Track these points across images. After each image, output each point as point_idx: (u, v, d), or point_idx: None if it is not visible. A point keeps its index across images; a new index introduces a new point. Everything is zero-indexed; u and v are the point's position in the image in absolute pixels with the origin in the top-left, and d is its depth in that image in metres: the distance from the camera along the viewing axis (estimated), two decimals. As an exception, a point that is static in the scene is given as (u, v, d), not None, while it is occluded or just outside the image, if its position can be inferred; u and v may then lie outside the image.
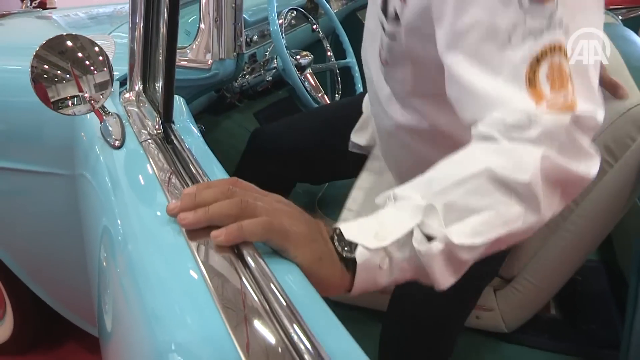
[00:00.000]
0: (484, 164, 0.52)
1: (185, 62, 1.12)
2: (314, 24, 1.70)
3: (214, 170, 0.73)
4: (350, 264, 0.51)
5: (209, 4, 1.09)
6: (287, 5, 1.69)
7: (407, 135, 0.88)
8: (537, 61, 0.53)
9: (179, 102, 0.96)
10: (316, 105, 1.40)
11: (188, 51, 1.13)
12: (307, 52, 1.52)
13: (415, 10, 0.67)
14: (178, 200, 0.53)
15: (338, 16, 2.37)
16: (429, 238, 0.51)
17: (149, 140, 0.79)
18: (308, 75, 1.51)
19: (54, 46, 0.77)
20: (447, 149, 0.58)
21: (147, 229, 0.59)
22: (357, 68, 1.71)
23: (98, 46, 0.80)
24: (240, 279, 0.45)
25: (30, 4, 2.30)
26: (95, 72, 0.81)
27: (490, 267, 1.06)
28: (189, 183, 0.64)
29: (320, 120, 1.32)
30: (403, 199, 0.54)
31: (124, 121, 0.87)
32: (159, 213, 0.58)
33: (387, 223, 0.52)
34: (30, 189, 1.21)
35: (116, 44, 1.12)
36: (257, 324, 0.40)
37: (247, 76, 1.49)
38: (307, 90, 1.47)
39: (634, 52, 1.26)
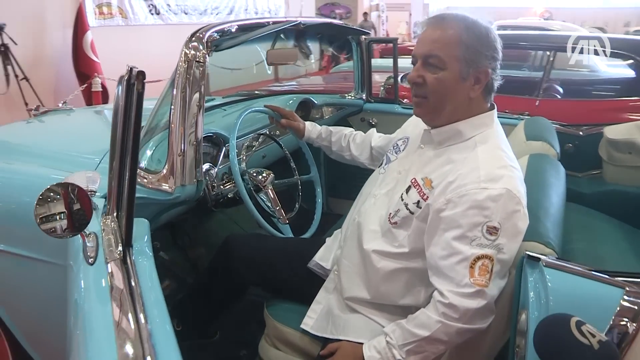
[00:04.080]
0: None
1: (153, 186, 1.39)
2: (280, 145, 1.98)
3: (152, 291, 0.97)
4: None
5: (174, 142, 1.36)
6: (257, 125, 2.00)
7: (378, 257, 1.30)
8: (477, 258, 1.12)
9: (142, 225, 1.21)
10: (265, 224, 1.65)
11: (157, 177, 1.40)
12: (269, 171, 1.78)
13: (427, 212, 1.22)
14: None
15: (330, 121, 2.71)
16: None
17: (112, 262, 1.04)
18: (269, 191, 1.76)
19: (48, 193, 1.04)
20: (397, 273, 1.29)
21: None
22: (318, 181, 1.97)
23: (80, 189, 1.06)
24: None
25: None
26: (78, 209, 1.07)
27: None
28: (129, 298, 0.93)
29: (287, 245, 1.67)
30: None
31: (99, 238, 1.13)
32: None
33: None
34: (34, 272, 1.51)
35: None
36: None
37: (221, 186, 1.76)
38: (265, 203, 1.72)
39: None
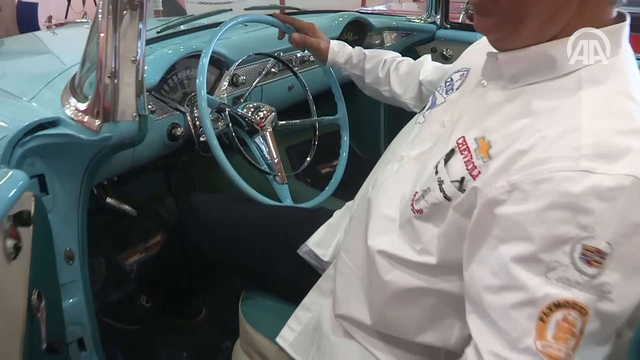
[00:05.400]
0: None
1: (79, 120, 0.96)
2: (294, 73, 1.45)
3: None
4: None
5: (103, 58, 0.91)
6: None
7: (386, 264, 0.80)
8: (556, 305, 0.57)
9: (8, 181, 0.78)
10: (242, 185, 1.16)
11: (83, 107, 0.97)
12: (271, 108, 1.28)
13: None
14: None
15: (394, 49, 2.14)
16: None
17: None
18: (267, 134, 1.26)
19: None
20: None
21: None
22: (347, 127, 1.44)
23: None
24: None
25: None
26: None
27: None
28: None
29: (273, 216, 1.16)
30: None
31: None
32: None
33: None
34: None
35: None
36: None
37: (219, 122, 1.30)
38: (260, 153, 1.24)
39: None
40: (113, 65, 0.91)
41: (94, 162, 1.09)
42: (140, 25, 0.90)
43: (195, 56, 1.38)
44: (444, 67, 1.13)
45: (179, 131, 1.26)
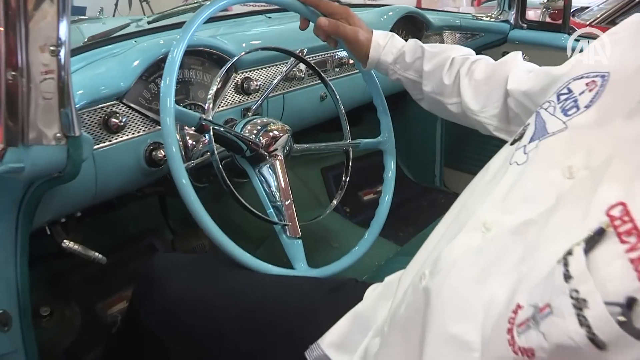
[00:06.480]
0: None
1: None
2: (322, 76, 1.08)
3: None
4: None
5: (2, 43, 0.58)
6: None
7: None
8: None
9: None
10: (231, 249, 0.77)
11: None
12: (284, 126, 0.92)
13: None
14: None
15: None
16: None
17: None
18: (276, 164, 0.90)
19: None
20: None
21: None
22: (393, 152, 1.05)
23: None
24: None
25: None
26: None
27: None
28: None
29: (274, 293, 0.78)
30: None
31: None
32: None
33: None
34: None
35: None
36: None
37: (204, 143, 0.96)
38: (267, 190, 0.88)
39: None
40: (19, 59, 0.58)
41: (28, 198, 0.78)
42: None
43: (200, 52, 1.05)
44: (548, 71, 0.74)
45: (161, 153, 0.92)
